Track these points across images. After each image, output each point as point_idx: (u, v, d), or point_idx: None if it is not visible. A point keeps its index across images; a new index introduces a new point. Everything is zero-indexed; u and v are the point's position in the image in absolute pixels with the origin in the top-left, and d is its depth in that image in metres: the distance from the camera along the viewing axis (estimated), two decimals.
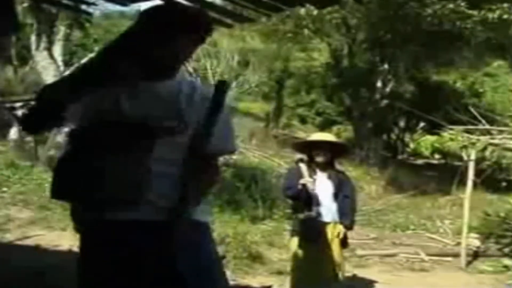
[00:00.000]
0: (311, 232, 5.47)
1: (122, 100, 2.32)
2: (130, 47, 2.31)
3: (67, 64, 15.35)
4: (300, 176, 5.49)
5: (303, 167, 5.57)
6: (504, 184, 11.42)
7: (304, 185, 5.46)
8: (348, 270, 8.34)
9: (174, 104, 2.34)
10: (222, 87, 2.30)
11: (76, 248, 7.38)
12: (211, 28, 2.46)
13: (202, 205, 2.38)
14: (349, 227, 5.67)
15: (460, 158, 10.39)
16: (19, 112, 10.96)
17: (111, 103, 2.31)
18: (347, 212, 5.64)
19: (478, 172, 9.53)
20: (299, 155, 5.88)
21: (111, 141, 2.26)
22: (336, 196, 5.58)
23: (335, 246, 5.55)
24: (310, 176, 5.49)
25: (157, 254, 2.26)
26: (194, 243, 2.35)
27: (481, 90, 21.61)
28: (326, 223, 5.52)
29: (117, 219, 2.27)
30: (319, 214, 5.48)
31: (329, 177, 5.57)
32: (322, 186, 5.53)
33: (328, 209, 5.53)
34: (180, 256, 2.27)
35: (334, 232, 5.54)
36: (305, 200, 5.47)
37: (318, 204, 5.46)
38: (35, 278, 5.56)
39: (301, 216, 5.52)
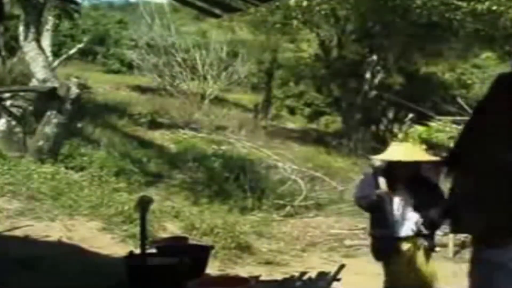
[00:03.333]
0: (382, 251, 5.17)
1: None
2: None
3: (55, 54, 15.27)
4: (376, 186, 5.03)
5: (381, 180, 5.05)
6: None
7: (380, 197, 5.01)
8: (337, 259, 8.42)
9: None
10: None
11: (65, 239, 7.29)
12: None
13: None
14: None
15: (448, 149, 10.42)
16: (7, 103, 10.89)
17: None
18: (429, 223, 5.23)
19: None
20: (377, 161, 5.38)
21: None
22: (417, 207, 5.12)
23: (419, 258, 5.29)
24: (389, 189, 5.02)
25: None
26: None
27: (469, 81, 21.67)
28: (403, 239, 5.12)
29: None
30: (394, 232, 5.06)
31: (411, 189, 5.08)
32: (401, 198, 5.07)
33: (407, 223, 5.13)
34: None
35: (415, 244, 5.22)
36: (379, 213, 5.07)
37: (394, 220, 5.05)
38: (27, 268, 5.56)
39: (374, 232, 5.24)
